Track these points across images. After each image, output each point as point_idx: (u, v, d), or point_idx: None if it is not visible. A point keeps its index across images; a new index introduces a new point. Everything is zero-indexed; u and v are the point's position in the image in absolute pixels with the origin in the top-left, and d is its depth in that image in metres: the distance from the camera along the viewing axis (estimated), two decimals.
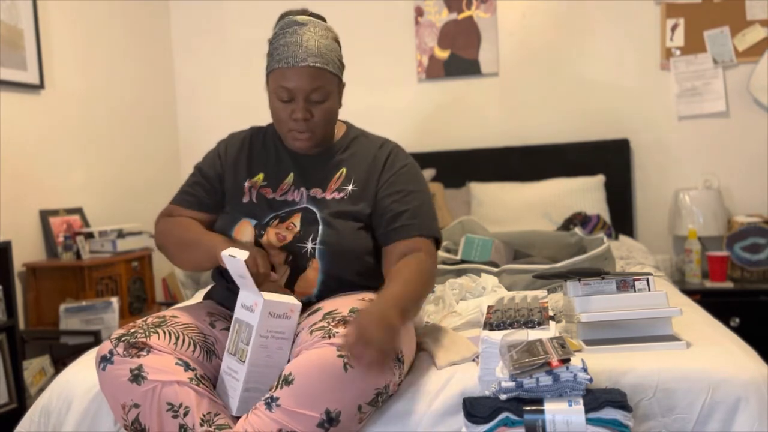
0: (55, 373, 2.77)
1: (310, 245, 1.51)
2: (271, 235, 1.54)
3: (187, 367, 1.37)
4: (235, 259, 1.38)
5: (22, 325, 2.82)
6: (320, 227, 1.53)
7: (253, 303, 1.37)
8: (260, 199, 1.60)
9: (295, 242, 1.52)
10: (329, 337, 1.28)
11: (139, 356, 1.35)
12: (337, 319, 1.33)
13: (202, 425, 1.31)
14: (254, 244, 1.54)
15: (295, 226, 1.54)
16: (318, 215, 1.54)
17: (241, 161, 1.67)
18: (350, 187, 1.58)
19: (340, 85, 1.62)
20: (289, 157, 1.65)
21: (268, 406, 1.27)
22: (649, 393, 1.30)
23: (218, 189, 1.66)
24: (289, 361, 1.41)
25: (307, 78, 1.50)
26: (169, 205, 1.70)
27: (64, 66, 3.16)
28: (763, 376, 1.30)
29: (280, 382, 1.28)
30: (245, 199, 1.61)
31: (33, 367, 2.71)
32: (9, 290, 2.53)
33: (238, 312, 1.41)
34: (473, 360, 1.43)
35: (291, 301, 1.40)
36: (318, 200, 1.57)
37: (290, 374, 1.27)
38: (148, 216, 3.59)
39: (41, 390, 2.63)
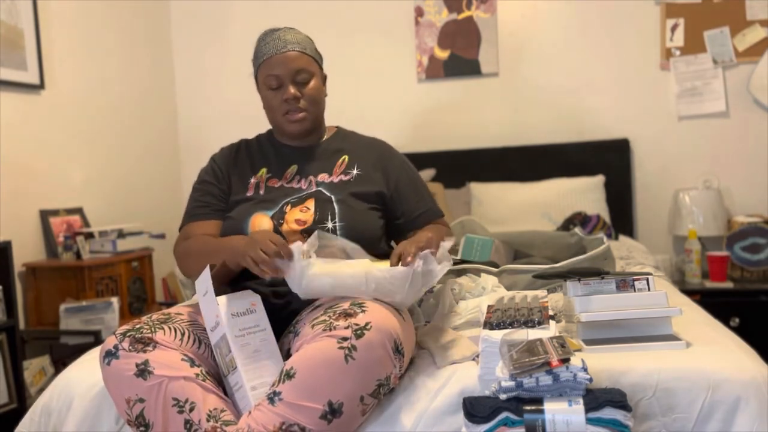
0: (55, 373, 2.77)
1: (330, 224, 1.59)
2: (291, 223, 1.59)
3: (192, 363, 1.38)
4: (203, 273, 1.44)
5: (22, 325, 2.82)
6: (336, 206, 1.61)
7: (215, 316, 1.40)
8: (268, 190, 1.68)
9: (316, 224, 1.58)
10: (330, 330, 1.29)
11: (145, 351, 1.35)
12: (338, 312, 1.33)
13: (208, 421, 1.31)
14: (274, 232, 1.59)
15: (308, 209, 1.61)
16: (332, 197, 1.63)
17: (242, 162, 1.75)
18: (355, 171, 1.69)
19: (322, 73, 1.76)
20: (289, 151, 1.74)
21: (271, 400, 1.27)
22: (649, 392, 1.30)
23: (227, 191, 1.73)
24: (289, 353, 1.41)
25: (290, 61, 1.67)
26: (182, 229, 1.75)
27: (64, 66, 3.16)
28: (763, 376, 1.30)
29: (282, 376, 1.29)
30: (253, 193, 1.68)
31: (33, 367, 2.71)
32: (9, 290, 2.53)
33: (211, 337, 1.43)
34: (473, 359, 1.43)
35: (248, 297, 1.45)
36: (327, 183, 1.67)
37: (292, 368, 1.28)
38: (148, 216, 3.61)
39: (41, 390, 2.63)
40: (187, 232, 1.72)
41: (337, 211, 1.61)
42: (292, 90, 1.66)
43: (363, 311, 1.32)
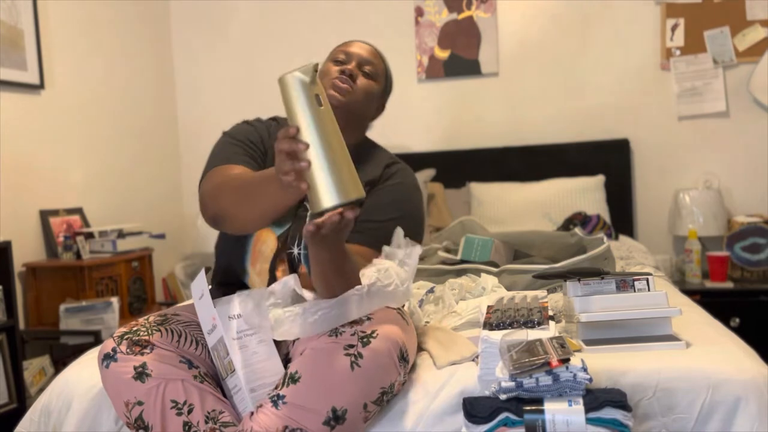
0: (55, 373, 2.77)
1: (296, 251, 1.52)
2: (282, 266, 1.51)
3: (190, 365, 1.38)
4: (198, 276, 1.41)
5: (22, 325, 2.82)
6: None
7: (212, 319, 1.39)
8: None
9: (285, 249, 1.52)
10: (336, 336, 1.28)
11: (142, 354, 1.35)
12: None
13: (206, 422, 1.31)
14: (270, 269, 1.51)
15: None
16: (307, 216, 1.50)
17: (261, 150, 1.61)
18: None
19: (382, 96, 1.69)
20: None
21: (275, 403, 1.26)
22: (649, 393, 1.30)
23: (261, 164, 1.55)
24: (288, 356, 1.41)
25: (366, 51, 1.64)
26: (210, 171, 1.51)
27: (64, 66, 3.16)
28: (763, 376, 1.30)
29: (287, 380, 1.28)
30: None
31: (33, 367, 2.71)
32: (9, 290, 2.53)
33: (208, 340, 1.42)
34: (473, 360, 1.43)
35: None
36: None
37: (296, 372, 1.27)
38: (148, 216, 3.61)
39: (41, 390, 2.63)
40: (218, 171, 1.49)
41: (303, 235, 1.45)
42: (351, 66, 1.60)
43: (369, 318, 1.31)
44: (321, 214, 1.18)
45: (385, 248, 1.41)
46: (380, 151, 1.69)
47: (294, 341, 1.41)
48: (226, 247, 1.61)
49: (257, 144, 1.59)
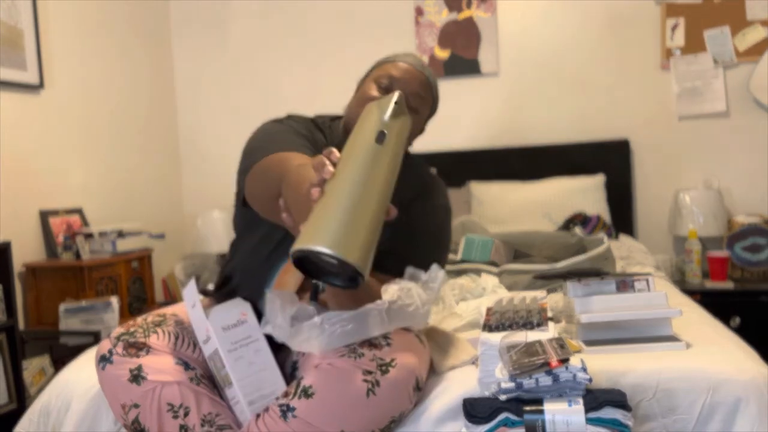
0: (54, 373, 2.77)
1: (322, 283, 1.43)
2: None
3: (187, 366, 1.37)
4: (188, 285, 1.39)
5: (22, 325, 2.82)
6: None
7: (206, 330, 1.36)
8: None
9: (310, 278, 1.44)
10: (355, 357, 1.25)
11: (138, 356, 1.34)
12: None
13: (203, 426, 1.30)
14: (308, 292, 1.43)
15: None
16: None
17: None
18: None
19: (427, 119, 1.62)
20: None
21: (284, 414, 1.24)
22: (649, 394, 1.30)
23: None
24: (296, 364, 1.39)
25: (417, 81, 1.53)
26: (271, 156, 1.33)
27: (64, 66, 3.16)
28: (763, 376, 1.30)
29: (299, 391, 1.25)
30: None
31: (33, 367, 2.71)
32: (9, 290, 2.53)
33: (204, 350, 1.40)
34: (473, 363, 1.42)
35: (237, 306, 1.39)
36: None
37: (311, 386, 1.24)
38: (148, 216, 3.61)
39: (41, 390, 2.63)
40: (281, 156, 1.31)
41: None
42: None
43: (388, 344, 1.28)
44: (301, 260, 0.99)
45: (408, 269, 1.38)
46: (415, 166, 1.61)
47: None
48: (248, 264, 1.55)
49: (309, 139, 1.47)
